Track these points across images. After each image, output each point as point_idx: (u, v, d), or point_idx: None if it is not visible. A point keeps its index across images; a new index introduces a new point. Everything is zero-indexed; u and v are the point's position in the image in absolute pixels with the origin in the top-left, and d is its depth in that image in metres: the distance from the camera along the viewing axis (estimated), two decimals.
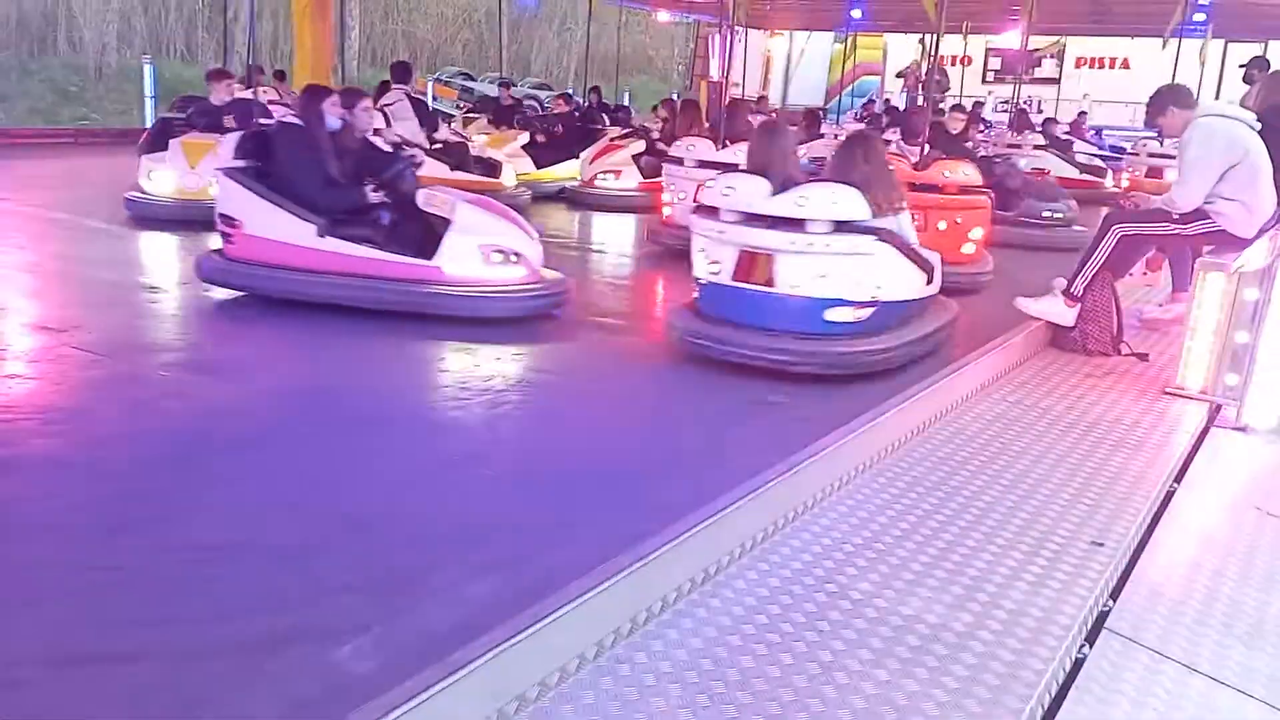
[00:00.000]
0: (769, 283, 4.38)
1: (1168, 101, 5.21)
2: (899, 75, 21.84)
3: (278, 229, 5.16)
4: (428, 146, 9.10)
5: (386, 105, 9.17)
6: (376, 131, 8.97)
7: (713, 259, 4.55)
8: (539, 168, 10.52)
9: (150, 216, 7.62)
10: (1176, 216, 5.15)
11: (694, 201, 7.13)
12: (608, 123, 12.56)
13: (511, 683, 2.05)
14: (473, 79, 26.15)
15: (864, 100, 21.55)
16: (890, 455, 3.70)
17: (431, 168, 8.91)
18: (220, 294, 5.55)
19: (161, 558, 2.55)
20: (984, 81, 25.09)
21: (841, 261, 4.29)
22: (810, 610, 2.56)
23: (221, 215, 5.37)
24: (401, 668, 1.96)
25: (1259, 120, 5.13)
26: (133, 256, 6.81)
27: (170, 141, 7.74)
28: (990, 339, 4.97)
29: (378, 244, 5.11)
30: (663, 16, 22.29)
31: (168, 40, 27.69)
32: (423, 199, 5.29)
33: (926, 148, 7.22)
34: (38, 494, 2.93)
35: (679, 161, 7.81)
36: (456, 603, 2.37)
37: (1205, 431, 4.35)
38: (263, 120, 7.84)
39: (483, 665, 1.96)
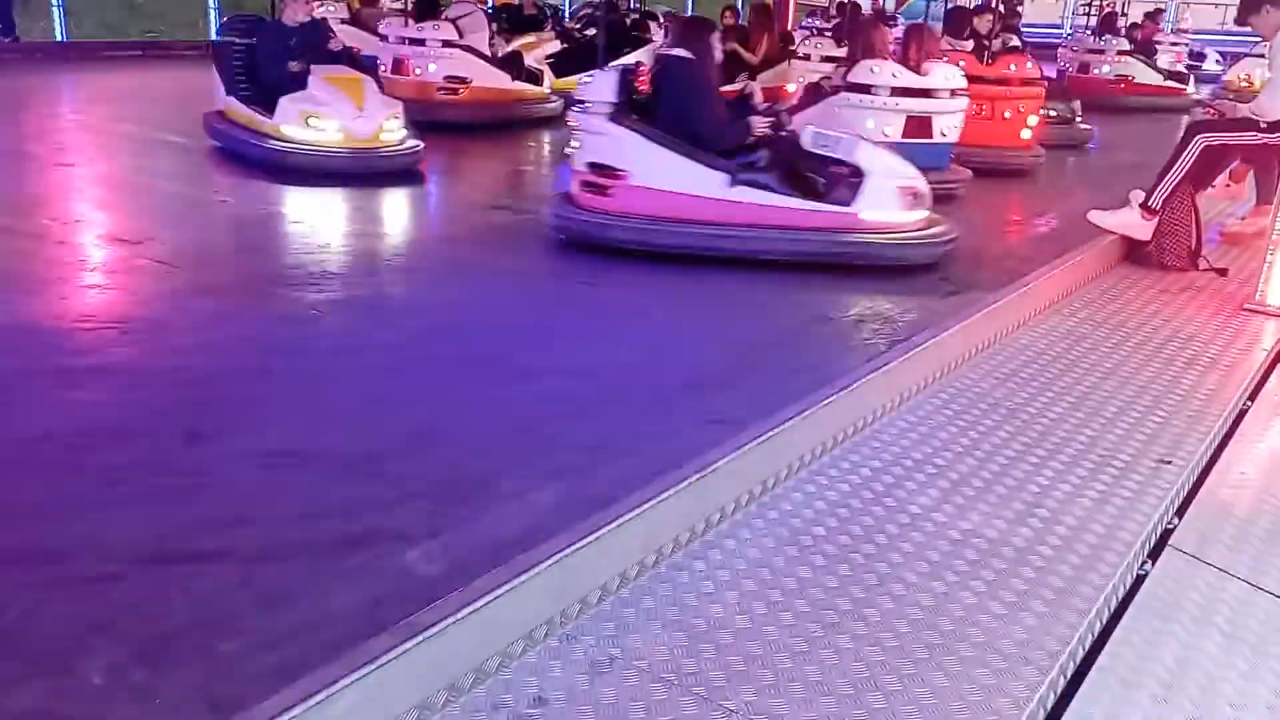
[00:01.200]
0: (929, 135, 6.45)
1: None
2: None
3: (676, 179, 4.69)
4: (494, 55, 9.04)
5: (459, 17, 9.09)
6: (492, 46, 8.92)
7: (885, 125, 6.36)
8: (558, 77, 10.11)
9: (318, 169, 6.31)
10: (1264, 125, 4.92)
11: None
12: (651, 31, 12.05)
13: (573, 586, 2.12)
14: None
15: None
16: (952, 372, 3.66)
17: (494, 78, 8.84)
18: (290, 207, 5.61)
19: (237, 463, 2.65)
20: None
21: (958, 115, 6.64)
22: (868, 524, 2.58)
23: (596, 164, 4.78)
24: (468, 570, 2.03)
25: None
26: (206, 171, 6.89)
27: (310, 78, 6.48)
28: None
29: (780, 191, 4.69)
30: None
31: None
32: (810, 138, 4.83)
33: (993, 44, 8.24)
34: (119, 400, 3.05)
35: (806, 58, 9.66)
36: (522, 509, 2.43)
37: None
38: (332, 46, 6.97)
39: (546, 569, 2.02)
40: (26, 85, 10.27)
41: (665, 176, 4.69)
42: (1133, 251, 5.33)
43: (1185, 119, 5.83)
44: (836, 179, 4.76)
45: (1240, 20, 5.30)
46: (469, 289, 4.35)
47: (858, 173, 4.73)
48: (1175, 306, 4.63)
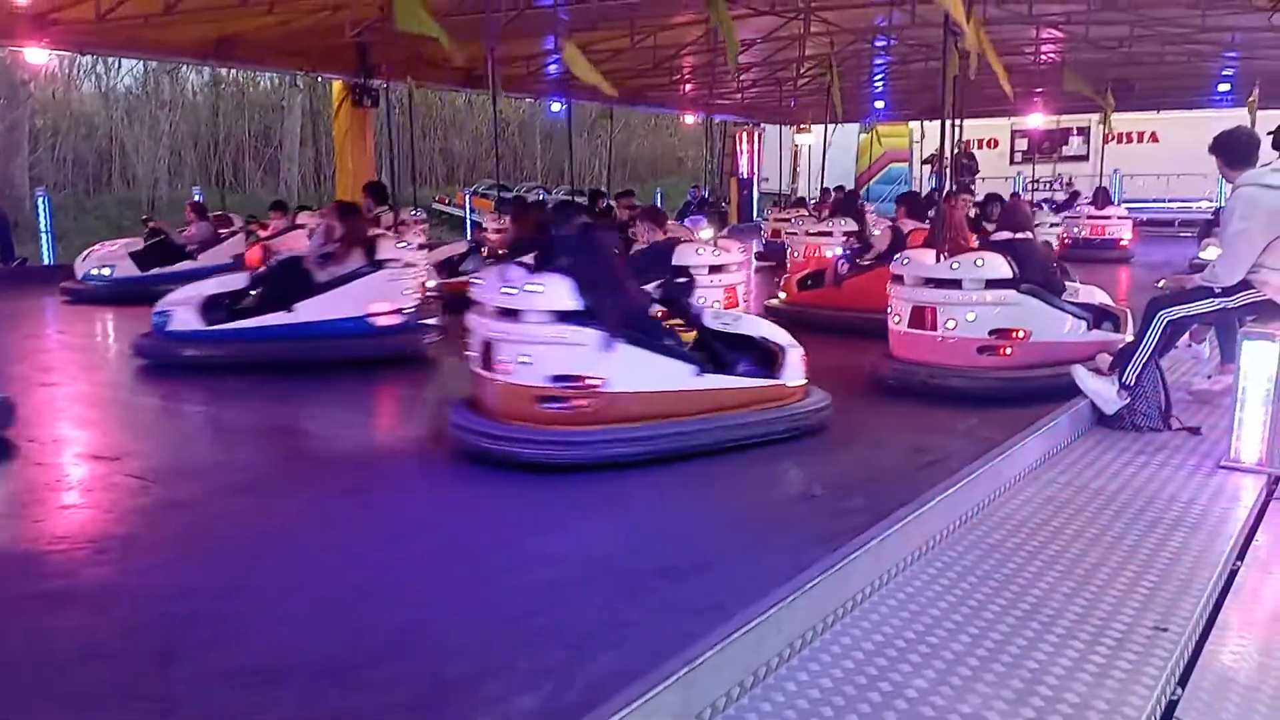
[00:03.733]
0: None
1: (1223, 148, 5.17)
2: (925, 162, 22.09)
3: None
4: None
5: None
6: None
7: None
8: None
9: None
10: (1219, 291, 5.09)
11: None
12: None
13: None
14: (508, 189, 26.91)
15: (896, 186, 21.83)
16: (938, 546, 3.63)
17: None
18: (266, 415, 5.63)
19: (211, 685, 2.56)
20: (1012, 163, 25.26)
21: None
22: (865, 712, 2.50)
23: None
24: None
25: None
26: (181, 385, 6.91)
27: None
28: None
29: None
30: (689, 119, 22.94)
31: (217, 171, 28.88)
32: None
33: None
34: (91, 624, 2.97)
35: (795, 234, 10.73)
36: (507, 715, 2.35)
37: (1266, 505, 4.23)
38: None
39: None
40: (15, 308, 10.46)
41: None
42: (1105, 415, 5.40)
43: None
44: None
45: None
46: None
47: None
48: (1153, 467, 4.66)
